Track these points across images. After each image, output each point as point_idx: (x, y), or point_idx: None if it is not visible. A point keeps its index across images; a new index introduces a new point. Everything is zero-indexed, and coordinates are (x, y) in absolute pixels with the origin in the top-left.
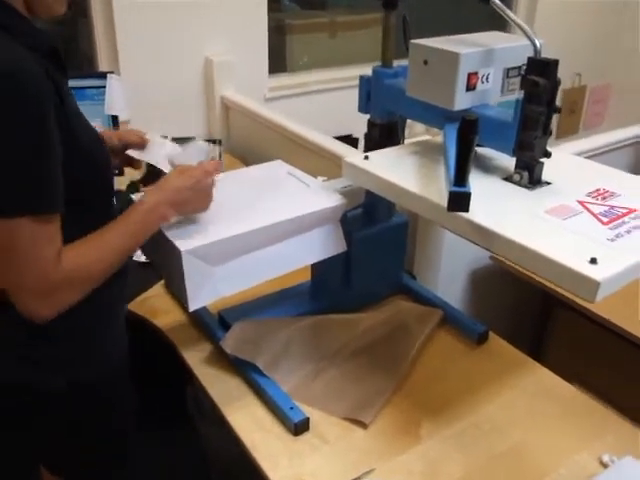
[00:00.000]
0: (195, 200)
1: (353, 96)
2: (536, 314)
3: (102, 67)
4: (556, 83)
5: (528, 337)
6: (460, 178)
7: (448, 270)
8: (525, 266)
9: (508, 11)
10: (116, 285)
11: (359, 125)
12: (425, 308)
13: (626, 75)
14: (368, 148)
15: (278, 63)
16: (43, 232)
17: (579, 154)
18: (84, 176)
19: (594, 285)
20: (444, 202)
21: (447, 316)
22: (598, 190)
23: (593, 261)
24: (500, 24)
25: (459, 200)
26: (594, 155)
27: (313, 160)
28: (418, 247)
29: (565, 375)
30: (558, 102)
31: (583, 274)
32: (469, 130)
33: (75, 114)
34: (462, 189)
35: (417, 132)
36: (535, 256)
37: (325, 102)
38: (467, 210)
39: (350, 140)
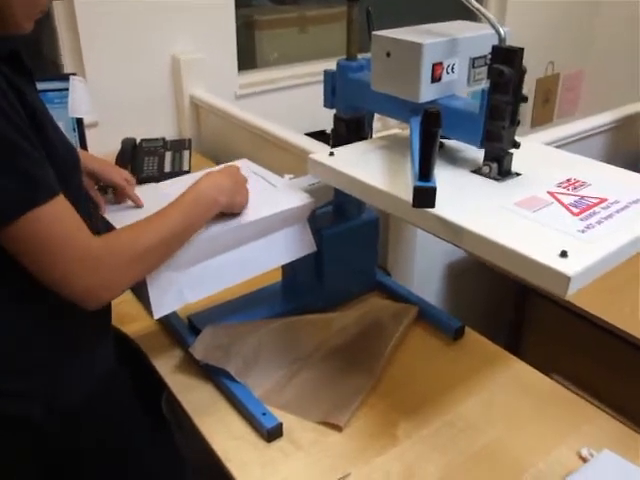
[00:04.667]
0: (238, 192)
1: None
2: (513, 305)
3: (67, 69)
4: (522, 71)
5: (505, 328)
6: (424, 173)
7: (423, 265)
8: (495, 261)
9: (472, 0)
10: (82, 317)
11: (331, 120)
12: (400, 305)
13: (598, 61)
14: (335, 144)
15: (248, 60)
16: (63, 213)
17: (553, 143)
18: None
19: (565, 280)
20: (408, 197)
21: (423, 312)
22: (569, 180)
23: (563, 254)
24: (469, 14)
25: (424, 195)
26: (568, 143)
27: (285, 158)
28: (391, 243)
29: (544, 366)
30: (532, 92)
31: (553, 268)
32: (432, 123)
33: (47, 120)
34: (427, 184)
35: (392, 125)
36: (504, 251)
37: (297, 98)
38: (433, 206)
39: (324, 136)
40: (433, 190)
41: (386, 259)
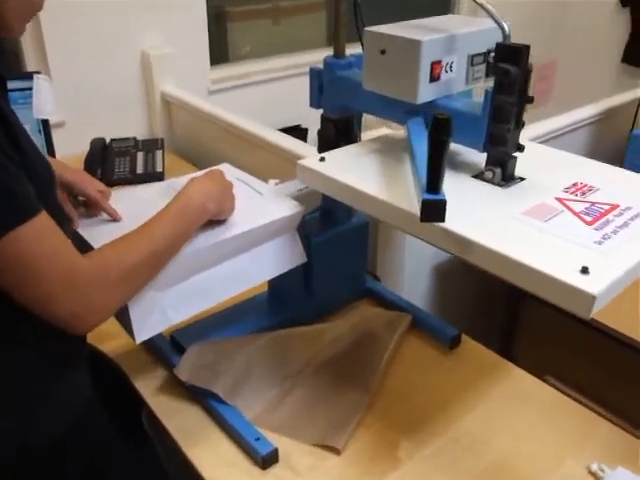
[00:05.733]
0: (225, 197)
1: (300, 85)
2: (504, 306)
3: (29, 67)
4: (528, 70)
5: (497, 330)
6: (434, 185)
7: (412, 267)
8: (507, 278)
9: None
10: (52, 349)
11: (308, 115)
12: (393, 313)
13: (570, 50)
14: (322, 145)
15: (220, 53)
16: (45, 233)
17: (536, 138)
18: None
19: (589, 299)
20: (414, 209)
21: (416, 320)
22: (575, 184)
23: (584, 270)
24: (443, 3)
25: (433, 209)
26: (549, 139)
27: (263, 156)
28: (380, 247)
29: (538, 369)
30: None
31: (576, 287)
32: (442, 131)
33: (21, 133)
34: (436, 197)
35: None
36: (520, 267)
37: (271, 92)
38: (443, 220)
39: (299, 131)
40: (443, 204)
41: (375, 264)
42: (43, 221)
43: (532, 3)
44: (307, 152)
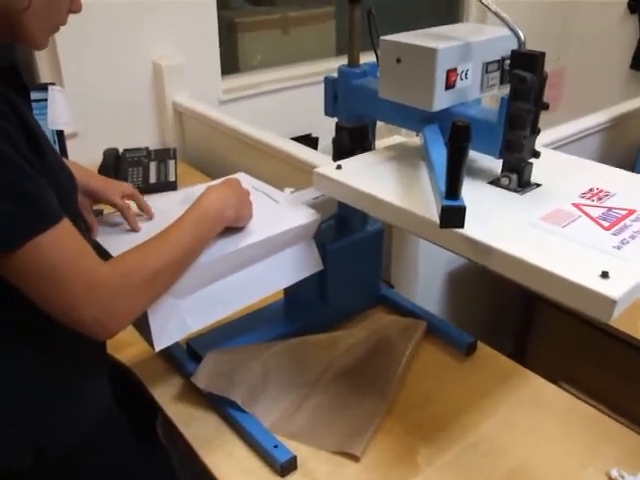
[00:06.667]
0: (243, 205)
1: (310, 94)
2: (517, 312)
3: (43, 78)
4: (544, 77)
5: (510, 335)
6: (453, 191)
7: (426, 275)
8: (527, 283)
9: (488, 1)
10: (74, 356)
11: (318, 123)
12: (408, 320)
13: (579, 57)
14: (337, 153)
15: (230, 64)
16: (67, 239)
17: (549, 145)
18: None
19: (609, 303)
20: (432, 216)
21: (431, 327)
22: (591, 190)
23: (605, 275)
24: (447, 11)
25: (453, 215)
26: (559, 146)
27: (274, 165)
28: (394, 254)
29: (552, 374)
30: None
31: (596, 291)
32: (461, 137)
33: (45, 142)
34: (455, 203)
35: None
36: (539, 272)
37: (282, 101)
38: (462, 226)
39: (310, 140)
40: (463, 210)
41: (389, 271)
42: (65, 228)
43: (540, 11)
44: (319, 161)
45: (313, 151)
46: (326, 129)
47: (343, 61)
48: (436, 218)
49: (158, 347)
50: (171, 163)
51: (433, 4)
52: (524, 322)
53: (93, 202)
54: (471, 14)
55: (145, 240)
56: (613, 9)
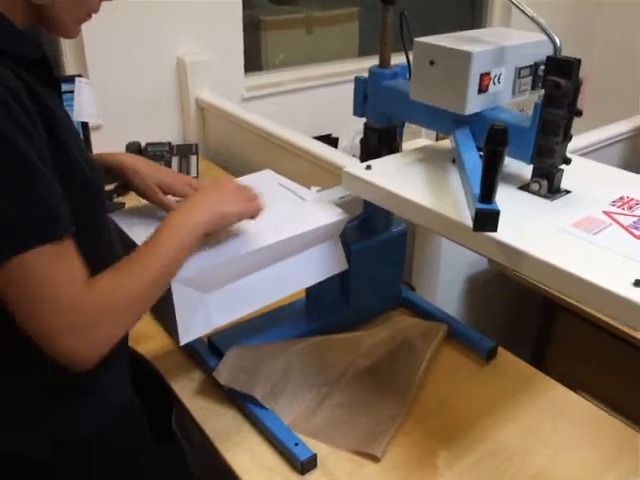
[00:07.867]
0: (227, 201)
1: (332, 94)
2: (537, 318)
3: (68, 70)
4: (578, 84)
5: (530, 342)
6: (487, 194)
7: (447, 278)
8: (558, 289)
9: (524, 5)
10: None
11: (339, 124)
12: (429, 323)
13: (601, 64)
14: (365, 154)
15: (253, 61)
16: (59, 259)
17: (573, 152)
18: (75, 205)
19: None
20: (464, 219)
21: (452, 331)
22: (622, 198)
23: (637, 283)
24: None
25: (487, 219)
26: (586, 153)
27: (296, 164)
28: (416, 257)
29: (571, 383)
30: None
31: (630, 299)
32: (499, 141)
33: (71, 137)
34: (489, 207)
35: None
36: (571, 279)
37: (303, 101)
38: (495, 230)
39: (330, 140)
40: (497, 214)
41: (410, 273)
42: (64, 246)
43: (561, 17)
44: (342, 161)
45: (336, 151)
46: (346, 130)
47: (366, 62)
48: (469, 221)
49: (183, 341)
50: (193, 159)
51: (456, 6)
52: (542, 329)
53: (164, 192)
54: (494, 17)
55: (121, 261)
56: (637, 14)
